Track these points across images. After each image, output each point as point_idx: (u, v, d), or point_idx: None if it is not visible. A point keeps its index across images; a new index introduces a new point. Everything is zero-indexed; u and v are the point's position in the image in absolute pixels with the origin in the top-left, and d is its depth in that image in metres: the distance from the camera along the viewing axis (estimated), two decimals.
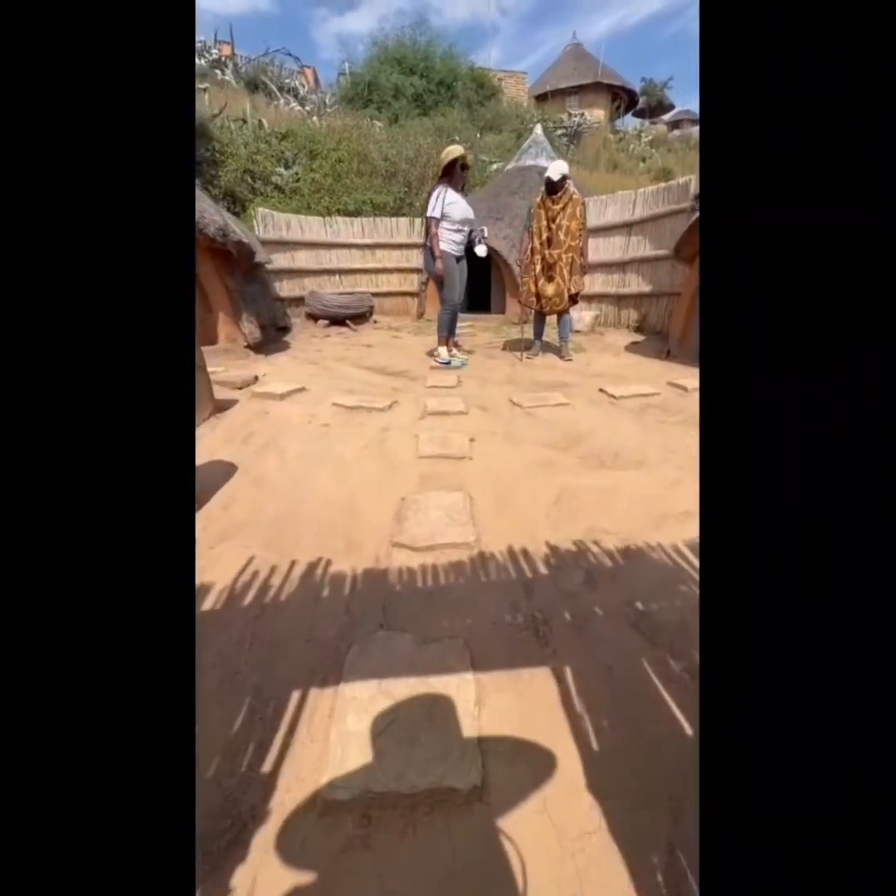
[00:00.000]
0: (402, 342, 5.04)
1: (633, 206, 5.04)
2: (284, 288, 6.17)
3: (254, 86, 13.87)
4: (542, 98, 18.36)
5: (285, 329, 5.74)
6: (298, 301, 6.21)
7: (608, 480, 1.82)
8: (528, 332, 4.24)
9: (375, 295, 6.90)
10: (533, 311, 3.98)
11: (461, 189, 3.55)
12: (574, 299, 3.79)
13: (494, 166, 11.19)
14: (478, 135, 13.21)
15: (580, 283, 3.74)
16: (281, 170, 9.02)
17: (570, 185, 3.60)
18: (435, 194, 3.44)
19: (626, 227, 5.12)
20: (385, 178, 9.62)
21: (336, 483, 1.83)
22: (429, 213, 3.46)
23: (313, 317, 5.97)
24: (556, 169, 3.55)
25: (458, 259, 3.59)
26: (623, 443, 2.17)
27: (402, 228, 6.90)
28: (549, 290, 3.70)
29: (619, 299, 5.41)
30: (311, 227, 6.40)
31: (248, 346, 4.17)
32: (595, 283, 5.45)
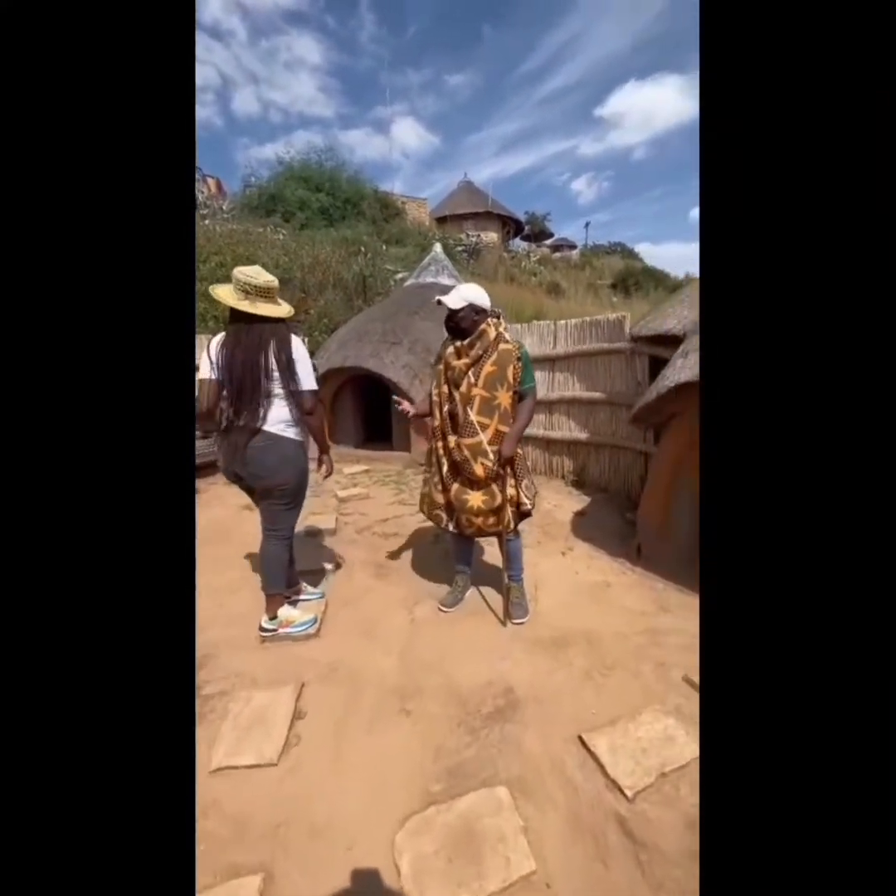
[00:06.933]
0: (255, 524, 3.19)
1: (553, 338, 3.96)
2: None
3: None
4: (441, 220, 19.18)
5: None
6: None
7: None
8: None
9: None
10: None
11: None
12: (524, 515, 2.02)
13: (399, 275, 10.56)
14: (383, 246, 12.81)
15: (532, 486, 2.01)
16: None
17: (496, 327, 1.87)
18: (295, 348, 1.73)
19: (548, 362, 4.00)
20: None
21: None
22: (306, 387, 1.75)
23: None
24: (458, 294, 1.83)
25: None
26: None
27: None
28: (473, 500, 1.92)
29: (547, 444, 4.15)
30: None
31: None
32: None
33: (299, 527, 2.73)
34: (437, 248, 6.17)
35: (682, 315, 2.79)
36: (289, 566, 2.02)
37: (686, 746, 1.36)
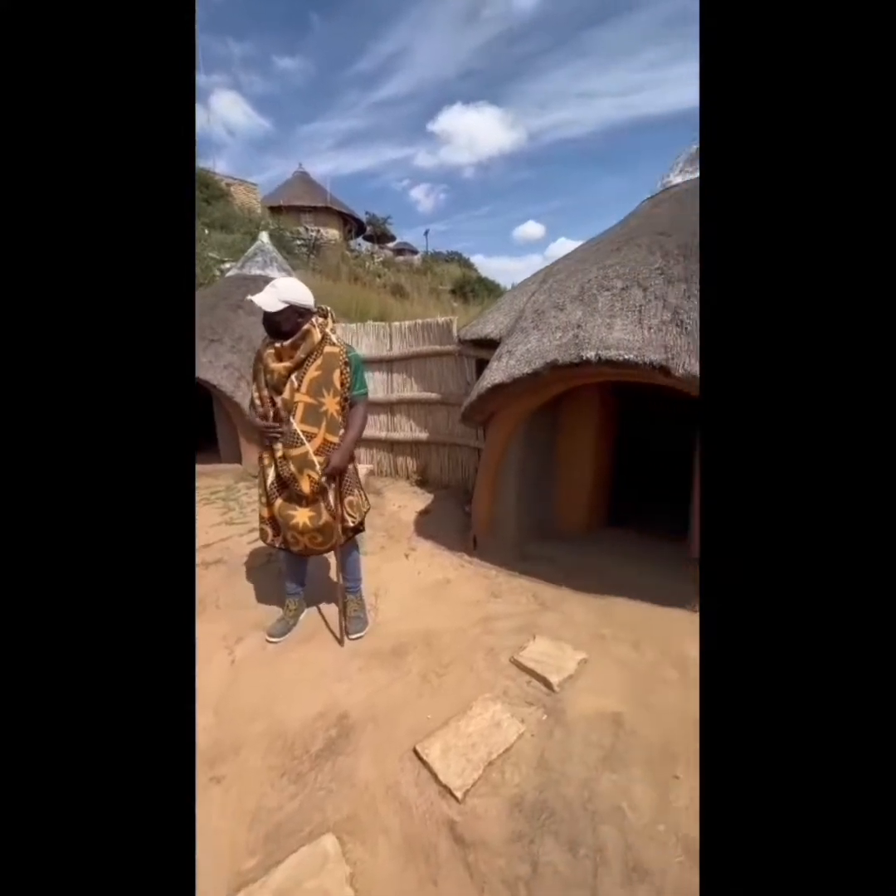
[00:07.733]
0: None
1: (389, 340, 3.94)
2: None
3: None
4: (276, 210, 17.72)
5: None
6: None
7: None
8: None
9: None
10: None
11: None
12: (355, 529, 1.89)
13: (226, 264, 9.42)
14: (205, 230, 11.23)
15: (362, 502, 1.89)
16: None
17: (321, 328, 1.68)
18: None
19: (386, 363, 3.97)
20: None
21: None
22: None
23: None
24: (276, 294, 1.59)
25: None
26: None
27: None
28: (299, 517, 1.72)
29: (391, 445, 4.12)
30: None
31: None
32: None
33: None
34: (264, 237, 5.61)
35: (499, 321, 3.04)
36: None
37: (510, 728, 1.43)
